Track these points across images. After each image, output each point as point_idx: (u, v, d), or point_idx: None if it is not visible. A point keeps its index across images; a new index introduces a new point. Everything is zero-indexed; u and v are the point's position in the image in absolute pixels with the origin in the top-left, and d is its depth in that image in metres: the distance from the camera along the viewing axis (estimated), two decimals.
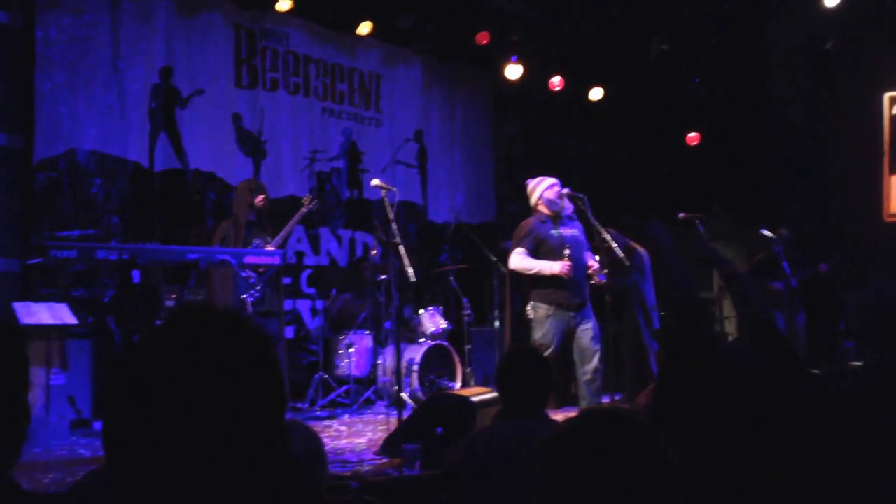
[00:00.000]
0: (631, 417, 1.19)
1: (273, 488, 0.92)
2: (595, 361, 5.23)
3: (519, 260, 5.36)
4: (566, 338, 5.28)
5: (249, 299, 5.68)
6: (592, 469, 1.13)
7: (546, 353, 5.15)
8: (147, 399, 0.88)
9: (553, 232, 5.35)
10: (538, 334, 5.26)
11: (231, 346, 0.91)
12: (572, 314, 5.26)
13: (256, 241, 5.97)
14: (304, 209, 6.23)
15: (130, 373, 0.90)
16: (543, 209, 5.45)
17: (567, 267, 5.16)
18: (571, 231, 5.42)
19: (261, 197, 6.10)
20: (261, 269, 5.84)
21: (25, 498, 1.33)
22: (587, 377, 5.22)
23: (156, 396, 0.87)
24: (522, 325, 5.52)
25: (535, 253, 5.32)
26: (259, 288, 5.84)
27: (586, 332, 5.28)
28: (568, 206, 5.50)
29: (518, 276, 5.58)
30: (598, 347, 5.27)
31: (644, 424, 1.17)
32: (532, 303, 5.35)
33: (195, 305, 0.96)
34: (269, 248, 5.96)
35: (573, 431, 1.19)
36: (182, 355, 0.89)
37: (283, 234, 6.10)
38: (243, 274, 5.72)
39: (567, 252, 5.20)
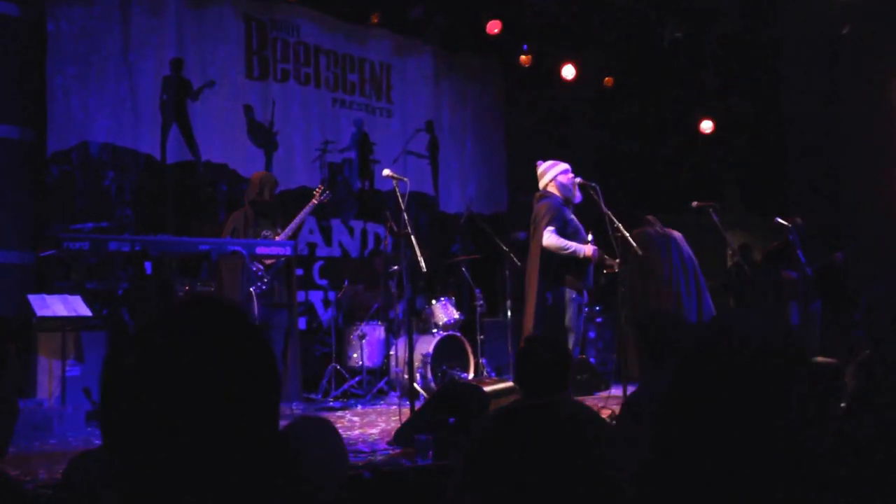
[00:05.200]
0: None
1: (265, 480, 0.92)
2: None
3: (555, 238, 5.19)
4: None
5: (256, 291, 5.63)
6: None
7: (571, 338, 5.15)
8: (140, 387, 0.89)
9: (572, 216, 5.34)
10: (564, 318, 5.22)
11: (224, 336, 0.92)
12: (585, 299, 5.29)
13: (265, 233, 5.93)
14: (314, 200, 6.16)
15: (124, 361, 0.91)
16: (555, 192, 5.42)
17: (597, 252, 5.16)
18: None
19: (268, 194, 5.96)
20: (268, 261, 5.80)
21: (11, 487, 1.35)
22: None
23: (149, 384, 0.88)
24: (548, 311, 5.34)
25: (561, 234, 5.24)
26: (266, 280, 5.78)
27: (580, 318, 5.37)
28: (577, 196, 5.48)
29: (546, 258, 5.29)
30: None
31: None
32: (556, 288, 5.28)
33: (193, 296, 0.99)
34: (278, 239, 5.92)
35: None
36: (175, 345, 0.90)
37: (292, 225, 6.01)
38: (252, 266, 5.69)
39: (590, 237, 5.19)
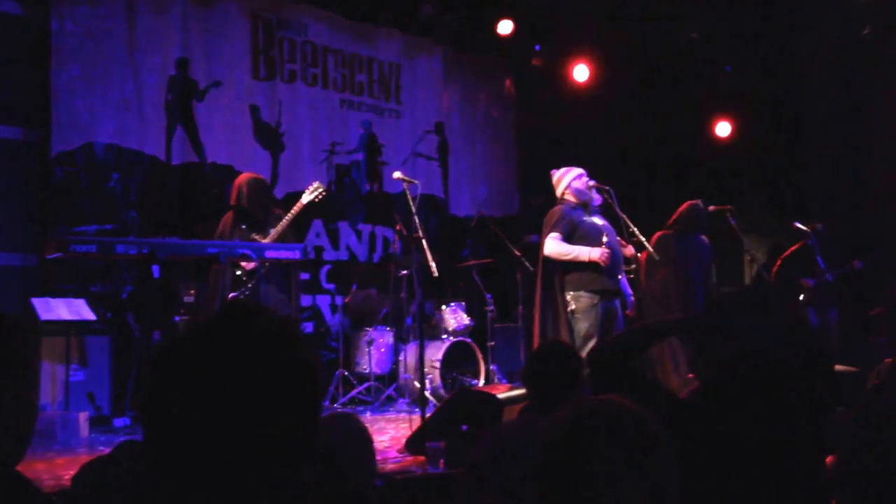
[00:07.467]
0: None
1: (302, 486, 0.94)
2: None
3: (555, 245, 5.10)
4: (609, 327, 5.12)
5: (237, 296, 5.38)
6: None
7: (592, 344, 5.00)
8: (183, 392, 0.91)
9: (585, 219, 5.21)
10: (584, 325, 5.04)
11: (269, 347, 0.94)
12: (615, 301, 5.14)
13: (254, 235, 5.70)
14: (302, 200, 5.81)
15: (169, 366, 0.93)
16: (571, 198, 5.30)
17: (606, 254, 5.01)
18: (603, 221, 5.29)
19: (246, 200, 5.64)
20: (248, 266, 5.43)
21: (30, 490, 1.28)
22: None
23: (192, 390, 0.90)
24: (555, 319, 5.19)
25: (569, 238, 5.12)
26: (250, 286, 5.48)
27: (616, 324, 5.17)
28: (596, 198, 5.35)
29: (551, 265, 5.23)
30: None
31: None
32: (572, 292, 5.11)
33: (240, 304, 0.99)
34: (266, 242, 5.63)
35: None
36: (220, 353, 0.92)
37: (279, 228, 5.61)
38: (234, 272, 5.49)
39: (605, 239, 5.06)
